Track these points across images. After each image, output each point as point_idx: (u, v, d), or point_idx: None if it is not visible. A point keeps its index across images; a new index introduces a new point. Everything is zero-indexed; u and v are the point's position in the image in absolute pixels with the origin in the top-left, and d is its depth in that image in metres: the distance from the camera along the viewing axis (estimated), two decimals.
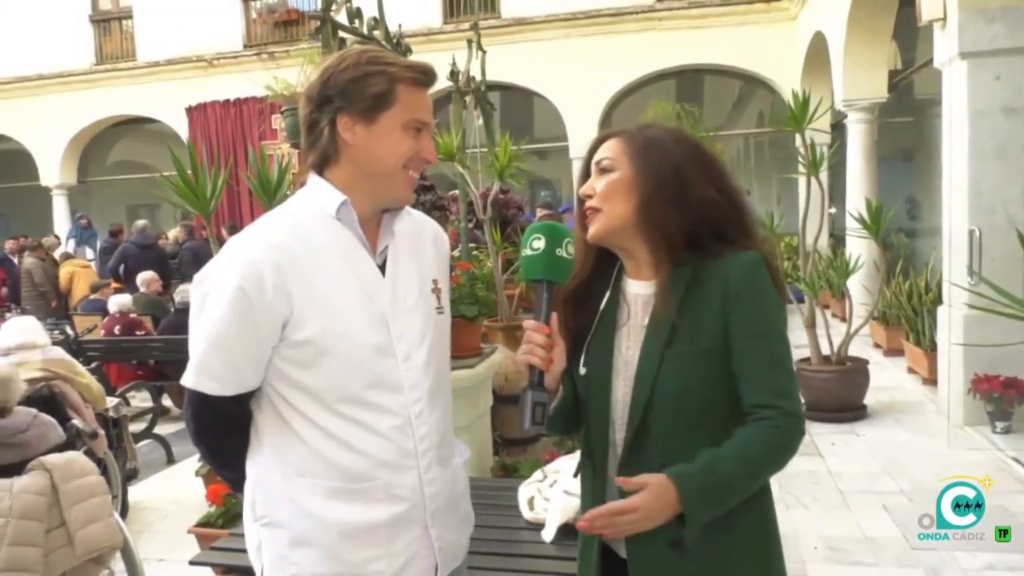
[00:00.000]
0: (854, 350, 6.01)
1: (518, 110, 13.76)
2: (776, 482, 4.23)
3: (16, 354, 3.53)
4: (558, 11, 11.74)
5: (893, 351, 6.97)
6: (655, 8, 11.57)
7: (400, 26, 3.52)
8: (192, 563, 2.11)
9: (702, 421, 1.27)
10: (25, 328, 3.65)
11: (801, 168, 5.61)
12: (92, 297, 7.86)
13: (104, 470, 3.89)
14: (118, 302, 6.72)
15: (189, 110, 13.06)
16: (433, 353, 1.44)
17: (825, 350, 5.50)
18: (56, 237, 12.11)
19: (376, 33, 3.22)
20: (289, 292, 1.30)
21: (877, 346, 7.39)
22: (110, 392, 4.97)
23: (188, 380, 1.34)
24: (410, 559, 1.38)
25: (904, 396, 5.88)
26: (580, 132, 11.94)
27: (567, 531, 1.99)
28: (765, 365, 1.26)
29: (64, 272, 9.59)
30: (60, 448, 2.64)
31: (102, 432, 3.78)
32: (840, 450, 4.79)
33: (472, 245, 4.53)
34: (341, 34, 3.28)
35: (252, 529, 1.41)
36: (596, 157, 1.38)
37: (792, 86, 10.98)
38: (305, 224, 1.36)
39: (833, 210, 10.74)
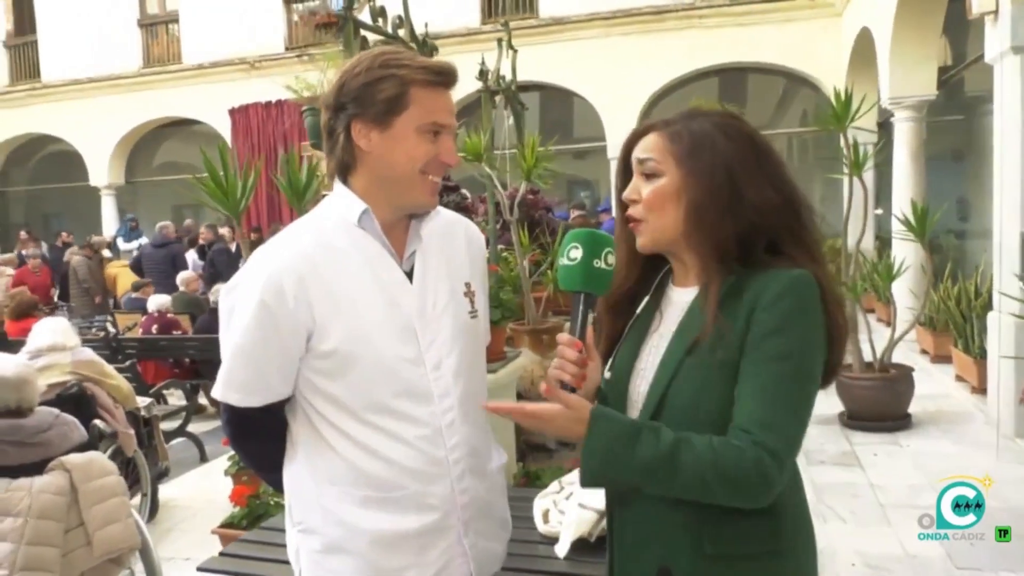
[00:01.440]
0: (900, 357, 5.79)
1: (557, 110, 13.67)
2: (811, 492, 4.12)
3: (46, 355, 3.57)
4: (597, 10, 11.61)
5: (941, 358, 6.70)
6: (696, 6, 11.38)
7: (427, 25, 3.47)
8: (199, 570, 2.09)
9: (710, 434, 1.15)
10: (55, 330, 3.70)
11: (844, 168, 5.42)
12: (133, 296, 8.02)
13: (134, 469, 3.94)
14: (157, 302, 6.85)
15: (232, 112, 13.27)
16: (465, 359, 1.40)
17: (868, 356, 5.31)
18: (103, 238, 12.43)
19: (401, 32, 3.18)
20: (311, 303, 1.29)
21: (924, 352, 7.12)
22: (144, 390, 5.04)
23: (216, 392, 1.36)
24: (443, 567, 1.37)
25: (951, 405, 5.65)
26: (618, 132, 11.79)
27: (581, 546, 1.92)
28: (758, 391, 1.10)
29: (109, 272, 9.85)
30: (82, 448, 2.65)
31: (131, 431, 3.81)
32: (882, 461, 4.61)
33: (502, 247, 4.47)
34: (368, 34, 3.25)
35: (291, 534, 1.43)
36: (638, 154, 1.24)
37: (837, 84, 10.76)
38: (329, 233, 1.34)
39: (879, 211, 10.43)
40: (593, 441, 1.10)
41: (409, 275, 1.37)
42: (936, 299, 6.59)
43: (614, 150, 11.90)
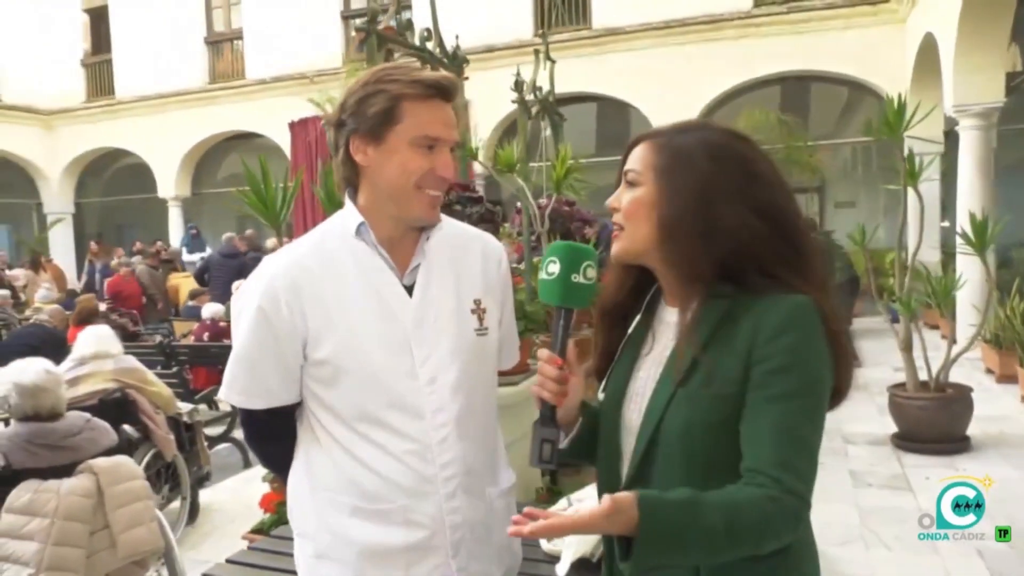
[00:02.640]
0: (963, 376, 5.55)
1: (614, 121, 13.52)
2: (856, 516, 3.95)
3: (90, 363, 3.72)
4: (651, 20, 11.52)
5: (1007, 378, 6.38)
6: (752, 14, 11.17)
7: (457, 37, 3.49)
8: None
9: (706, 470, 1.12)
10: (99, 338, 3.85)
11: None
12: (190, 304, 8.29)
13: (175, 472, 4.05)
14: (211, 310, 7.07)
15: (291, 125, 13.59)
16: (465, 377, 1.38)
17: (924, 375, 5.08)
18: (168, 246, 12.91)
19: (430, 45, 3.20)
20: (304, 311, 1.32)
21: (989, 372, 6.79)
22: (190, 396, 5.19)
23: (221, 392, 1.42)
24: None
25: (1015, 428, 5.35)
26: None
27: (582, 566, 1.87)
28: (772, 432, 1.06)
29: (172, 284, 10.23)
30: (113, 452, 2.73)
31: (171, 436, 3.92)
32: (935, 485, 4.34)
33: (538, 258, 4.44)
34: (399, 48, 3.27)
35: (295, 536, 1.46)
36: (627, 164, 1.22)
37: (901, 92, 10.37)
38: (328, 245, 1.38)
39: (946, 223, 10.02)
40: (647, 547, 1.00)
41: (411, 289, 1.37)
42: (1002, 316, 6.28)
43: None
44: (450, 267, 1.41)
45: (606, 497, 1.01)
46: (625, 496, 1.01)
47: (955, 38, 7.45)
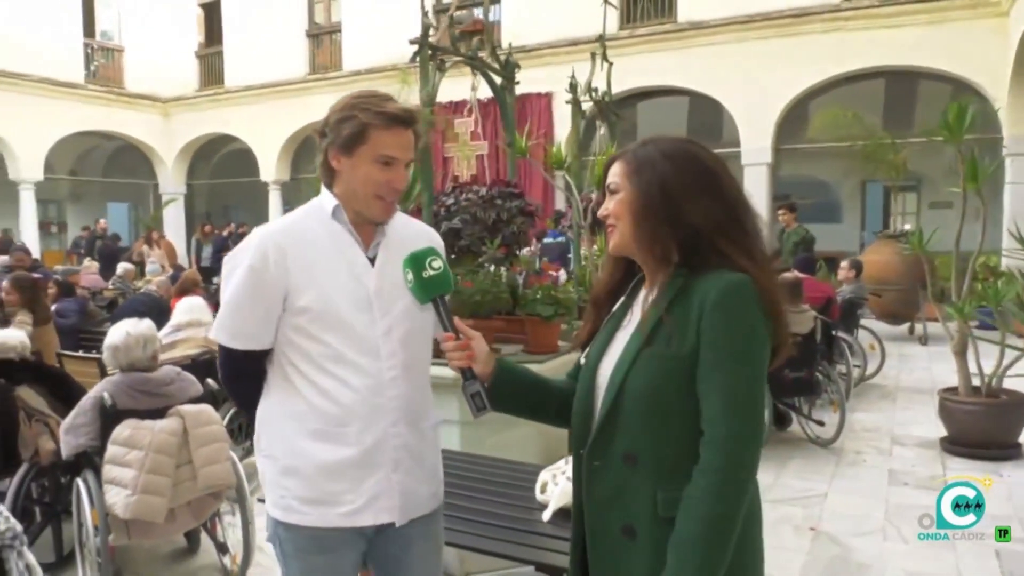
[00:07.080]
0: None
1: (706, 114, 13.40)
2: (883, 512, 4.06)
3: (185, 330, 4.28)
4: (735, 13, 11.47)
5: None
6: (841, 7, 10.96)
7: (511, 44, 3.80)
8: (260, 500, 2.54)
9: (665, 416, 1.37)
10: (192, 308, 4.42)
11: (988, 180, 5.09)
12: None
13: (251, 424, 4.58)
14: None
15: None
16: (413, 333, 1.75)
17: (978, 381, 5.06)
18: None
19: (482, 53, 3.53)
20: (288, 269, 1.67)
21: None
22: None
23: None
24: (375, 497, 1.69)
25: None
26: (754, 138, 11.59)
27: (562, 514, 2.17)
28: (718, 392, 1.31)
29: None
30: (198, 401, 3.21)
31: None
32: None
33: (597, 250, 4.71)
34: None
35: (259, 459, 1.79)
36: (607, 179, 1.50)
37: (1000, 89, 9.97)
38: (310, 219, 1.74)
39: None
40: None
41: (373, 260, 1.73)
42: None
43: (748, 156, 11.66)
44: (403, 247, 1.72)
45: None
46: None
47: None
